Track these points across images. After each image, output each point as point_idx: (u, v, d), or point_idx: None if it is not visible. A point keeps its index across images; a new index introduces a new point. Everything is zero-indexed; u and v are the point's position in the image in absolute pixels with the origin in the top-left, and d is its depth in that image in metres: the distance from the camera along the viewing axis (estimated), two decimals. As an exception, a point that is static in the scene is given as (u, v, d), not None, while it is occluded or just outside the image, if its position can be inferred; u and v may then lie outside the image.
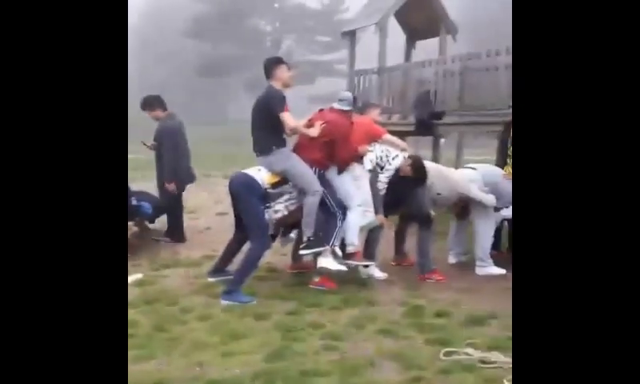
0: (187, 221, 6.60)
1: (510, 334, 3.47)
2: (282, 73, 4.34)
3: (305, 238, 4.40)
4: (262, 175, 4.29)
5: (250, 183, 4.24)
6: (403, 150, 4.86)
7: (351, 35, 9.47)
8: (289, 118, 4.24)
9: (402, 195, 4.77)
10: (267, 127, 4.30)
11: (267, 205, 4.28)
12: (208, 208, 7.86)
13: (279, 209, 4.31)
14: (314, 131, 4.38)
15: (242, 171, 4.39)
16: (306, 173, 4.34)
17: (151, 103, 5.93)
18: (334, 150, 4.48)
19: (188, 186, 6.23)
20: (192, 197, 8.77)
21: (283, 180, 4.32)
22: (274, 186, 4.30)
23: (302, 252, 4.53)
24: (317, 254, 4.45)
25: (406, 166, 4.75)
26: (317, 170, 4.41)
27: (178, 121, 6.07)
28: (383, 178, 4.72)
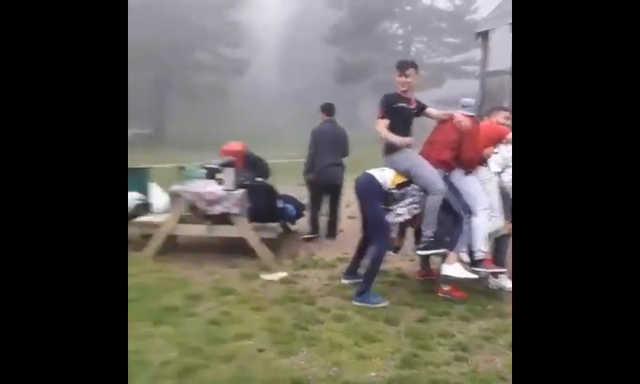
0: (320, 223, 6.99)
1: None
2: (396, 78, 4.45)
3: (424, 239, 4.35)
4: (384, 175, 4.36)
5: (372, 183, 4.34)
6: None
7: (484, 36, 9.26)
8: (378, 125, 4.35)
9: None
10: (392, 129, 4.36)
11: (390, 208, 4.33)
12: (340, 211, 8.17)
13: (402, 212, 4.31)
14: (401, 140, 4.33)
15: (366, 171, 4.49)
16: (429, 172, 4.31)
17: (321, 109, 6.79)
18: (460, 152, 4.44)
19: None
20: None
21: (407, 181, 4.33)
22: (399, 186, 4.32)
23: (419, 252, 4.50)
24: (442, 258, 4.46)
25: None
26: (442, 172, 4.40)
27: (329, 125, 6.68)
28: (506, 178, 4.56)
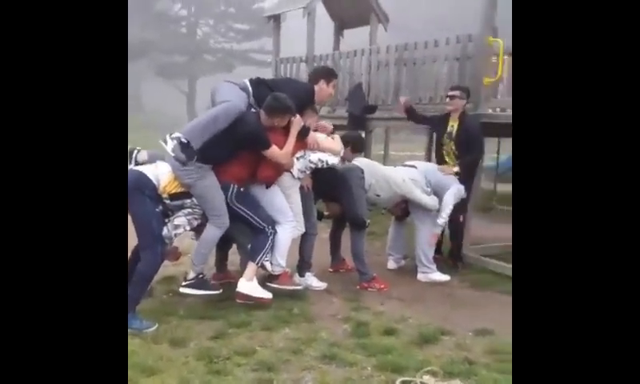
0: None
1: (465, 353, 3.14)
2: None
3: (191, 274, 3.71)
4: (158, 174, 3.52)
5: (143, 182, 3.45)
6: (338, 153, 4.18)
7: (276, 20, 8.87)
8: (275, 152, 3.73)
9: (332, 185, 4.34)
10: (220, 139, 3.55)
11: (166, 220, 3.55)
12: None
13: (180, 223, 3.58)
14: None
15: (135, 168, 3.56)
16: (217, 200, 3.63)
17: None
18: (257, 170, 3.84)
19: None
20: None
21: (186, 193, 3.58)
22: (173, 197, 3.54)
23: (182, 290, 3.76)
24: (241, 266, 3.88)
25: (348, 151, 4.38)
26: (235, 188, 3.71)
27: None
28: (296, 169, 4.03)
